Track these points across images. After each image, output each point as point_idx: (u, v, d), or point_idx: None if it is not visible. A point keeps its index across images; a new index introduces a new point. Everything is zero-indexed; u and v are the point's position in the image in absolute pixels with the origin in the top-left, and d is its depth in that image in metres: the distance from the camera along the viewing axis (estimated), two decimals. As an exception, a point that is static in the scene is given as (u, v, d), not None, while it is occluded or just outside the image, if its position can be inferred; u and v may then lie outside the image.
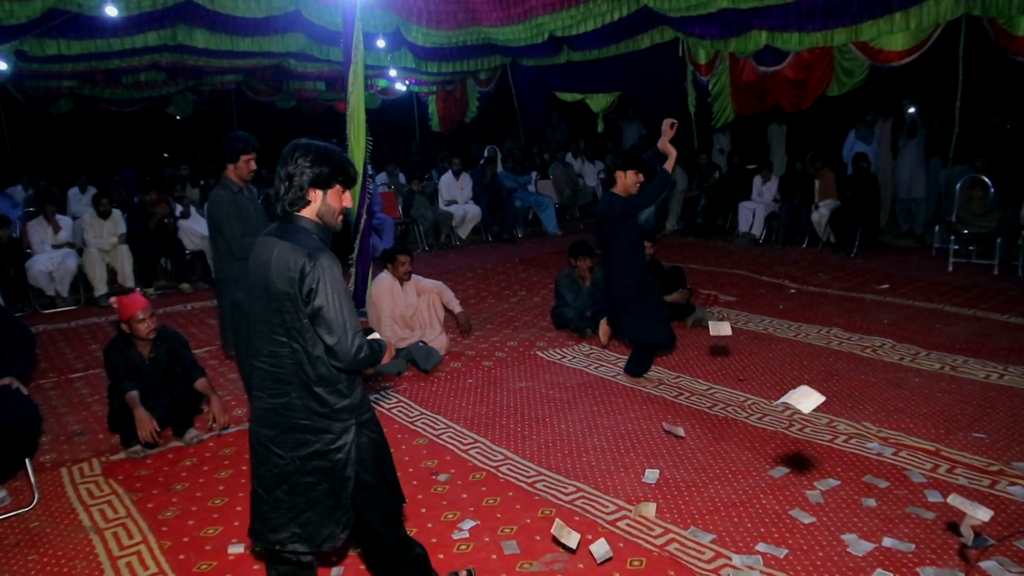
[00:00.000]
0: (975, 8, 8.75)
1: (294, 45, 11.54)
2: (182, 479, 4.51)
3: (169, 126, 17.29)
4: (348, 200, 2.83)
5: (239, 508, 4.11)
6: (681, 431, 4.69)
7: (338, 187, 2.76)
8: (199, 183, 12.81)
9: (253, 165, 4.87)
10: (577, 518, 3.88)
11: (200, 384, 4.96)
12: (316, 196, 2.72)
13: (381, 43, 12.23)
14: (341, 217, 2.83)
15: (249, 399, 2.83)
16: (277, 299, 2.65)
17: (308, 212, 2.73)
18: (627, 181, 5.25)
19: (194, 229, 9.84)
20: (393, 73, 15.05)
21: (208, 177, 12.62)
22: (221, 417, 4.90)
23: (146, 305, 4.79)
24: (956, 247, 9.25)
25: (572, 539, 3.13)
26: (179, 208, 10.11)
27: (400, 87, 16.45)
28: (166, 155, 16.96)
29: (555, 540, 3.51)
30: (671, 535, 3.70)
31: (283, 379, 2.72)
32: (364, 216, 7.37)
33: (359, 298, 7.45)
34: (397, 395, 5.73)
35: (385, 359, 2.88)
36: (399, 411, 5.42)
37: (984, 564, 3.34)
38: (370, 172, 7.49)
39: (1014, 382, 5.48)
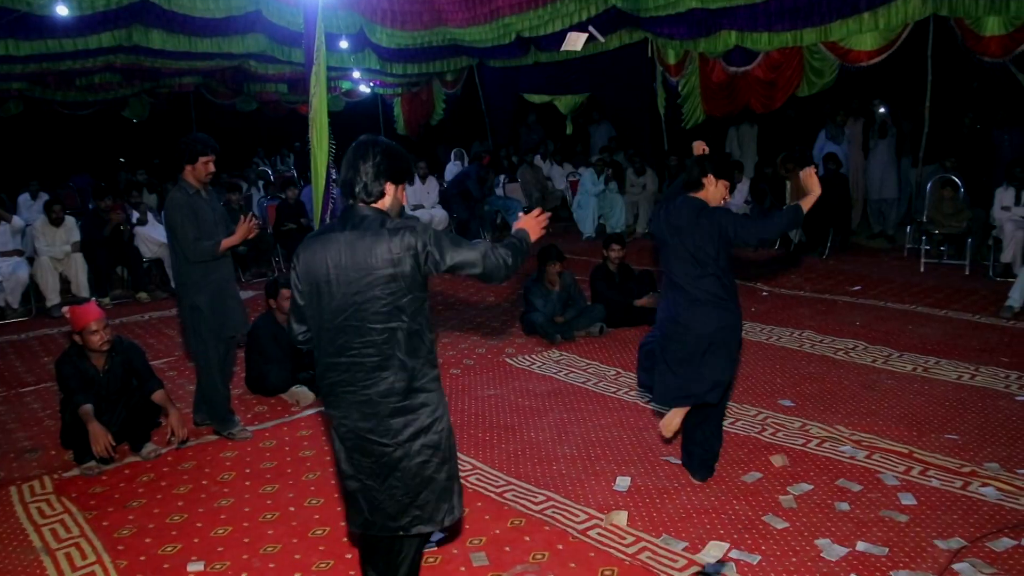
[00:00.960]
0: (942, 8, 8.91)
1: (255, 46, 11.45)
2: (139, 495, 4.44)
3: (125, 130, 17.10)
4: (404, 197, 3.02)
5: (199, 524, 4.06)
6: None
7: (404, 184, 2.98)
8: (156, 188, 12.67)
9: (212, 167, 4.88)
10: (547, 528, 3.87)
11: (158, 396, 4.90)
12: (390, 190, 2.89)
13: (344, 44, 12.19)
14: (397, 210, 2.98)
15: (326, 403, 2.97)
16: (374, 286, 2.76)
17: (380, 204, 2.89)
18: (717, 192, 4.13)
19: (151, 236, 9.72)
20: (357, 75, 15.00)
21: (167, 182, 12.48)
22: (180, 430, 4.84)
23: (100, 316, 4.72)
24: (928, 248, 9.40)
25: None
26: (135, 215, 9.98)
27: (364, 89, 16.40)
28: (122, 160, 16.76)
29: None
30: (643, 543, 3.71)
31: (380, 365, 2.81)
32: (327, 221, 7.32)
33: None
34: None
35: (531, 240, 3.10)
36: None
37: (957, 566, 3.39)
38: (334, 177, 7.45)
39: (985, 383, 5.57)
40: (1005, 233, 8.45)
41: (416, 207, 12.12)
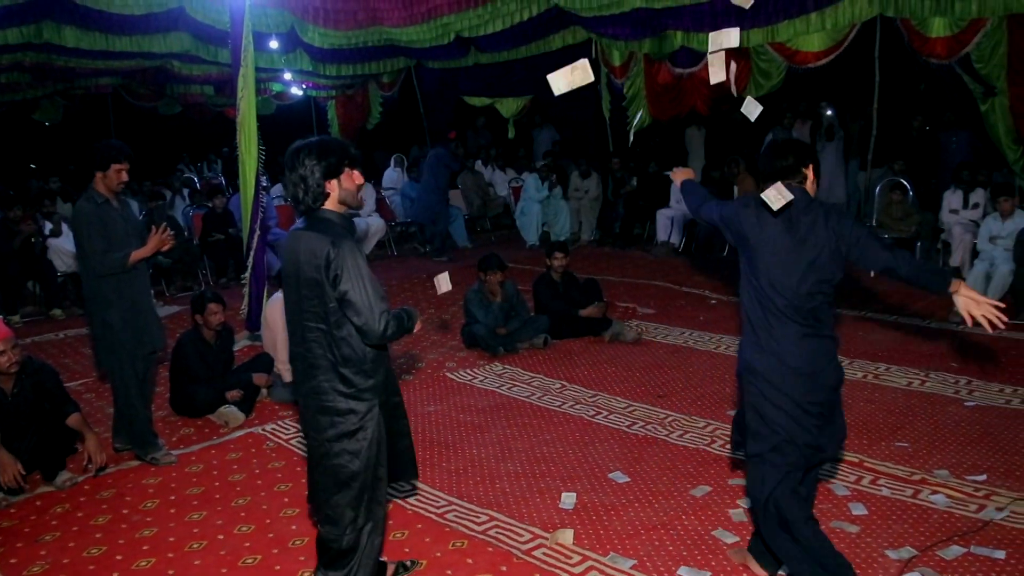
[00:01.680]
0: (888, 9, 9.19)
1: (178, 45, 11.25)
2: (52, 528, 4.32)
3: (36, 134, 16.65)
4: (359, 178, 3.18)
5: (119, 557, 3.97)
6: None
7: (347, 170, 3.12)
8: (71, 197, 12.36)
9: (124, 176, 4.82)
10: (490, 549, 3.88)
11: (73, 420, 4.78)
12: (333, 186, 3.08)
13: (274, 44, 12.07)
14: (362, 194, 3.25)
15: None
16: (307, 286, 3.03)
17: (330, 203, 3.11)
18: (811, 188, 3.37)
19: (65, 248, 9.47)
20: (288, 76, 14.86)
21: (82, 190, 12.18)
22: (97, 456, 4.73)
23: (8, 335, 4.60)
24: (877, 252, 9.63)
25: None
26: (48, 225, 9.72)
27: (296, 91, 16.26)
28: (33, 166, 16.33)
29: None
30: (590, 562, 3.74)
31: (314, 363, 3.10)
32: (257, 231, 7.25)
33: (254, 321, 7.31)
34: (296, 424, 5.63)
35: (417, 327, 3.24)
36: (299, 442, 5.33)
37: (907, 575, 3.48)
38: (264, 184, 7.38)
39: (935, 388, 5.75)
40: (953, 236, 8.74)
41: (353, 214, 12.03)
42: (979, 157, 9.76)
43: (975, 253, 7.99)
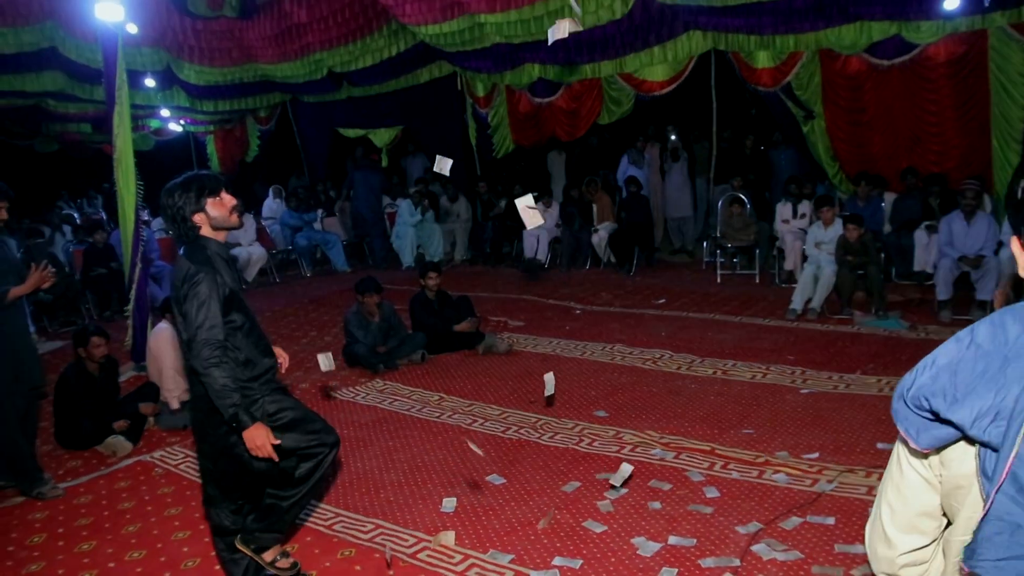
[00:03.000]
0: (720, 43, 9.76)
1: (52, 84, 10.80)
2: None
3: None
4: (229, 200, 3.23)
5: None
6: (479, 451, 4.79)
7: (210, 200, 3.17)
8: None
9: (4, 214, 4.59)
10: (377, 555, 3.87)
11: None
12: (202, 219, 3.18)
13: (151, 82, 11.74)
14: (235, 214, 3.27)
15: None
16: (176, 303, 3.14)
17: (206, 232, 3.21)
18: None
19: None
20: (166, 113, 14.44)
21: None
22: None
23: None
24: (722, 260, 10.13)
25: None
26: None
27: (175, 127, 15.80)
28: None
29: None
30: (471, 560, 3.78)
31: (189, 372, 3.24)
32: (139, 264, 7.02)
33: (138, 351, 7.06)
34: (184, 450, 5.47)
35: (250, 428, 3.10)
36: (187, 466, 5.17)
37: (755, 548, 3.68)
38: (144, 218, 7.16)
39: (775, 379, 6.08)
40: (786, 244, 9.27)
41: (233, 245, 11.74)
42: (805, 172, 10.39)
43: (805, 257, 8.48)
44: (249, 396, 3.19)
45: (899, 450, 1.62)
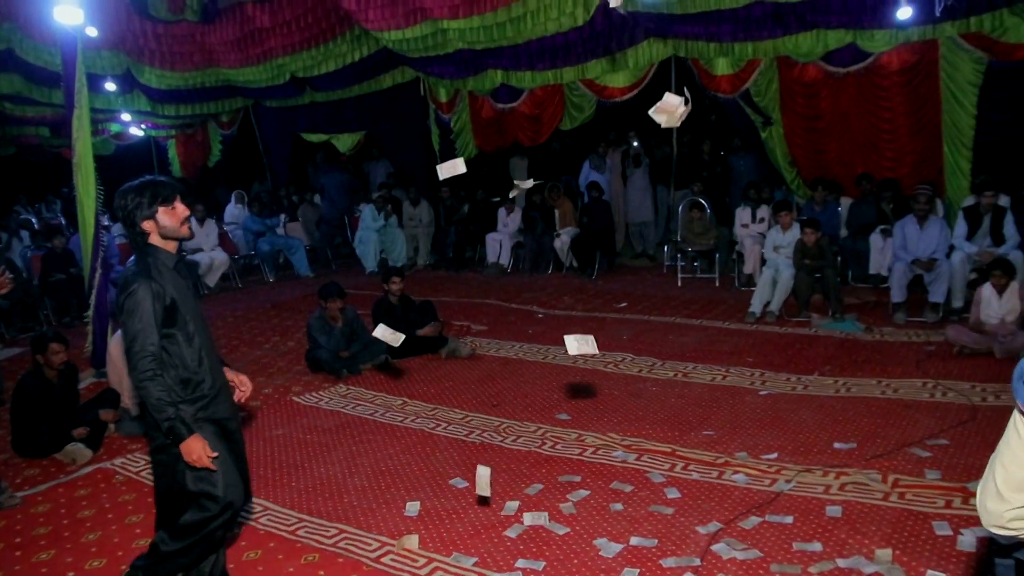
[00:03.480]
0: (680, 50, 9.86)
1: (8, 87, 10.57)
2: None
3: None
4: (182, 210, 3.18)
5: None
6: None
7: (162, 208, 3.12)
8: None
9: None
10: (341, 560, 3.84)
11: None
12: (151, 226, 3.13)
13: (111, 86, 11.55)
14: (186, 225, 3.21)
15: None
16: (118, 312, 3.11)
17: (155, 240, 3.16)
18: None
19: None
20: (127, 117, 14.21)
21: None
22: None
23: None
24: (683, 264, 10.21)
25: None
26: None
27: (136, 131, 15.56)
28: None
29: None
30: (435, 563, 3.76)
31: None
32: (99, 270, 6.91)
33: (98, 357, 6.94)
34: (146, 456, 5.36)
35: (189, 441, 3.04)
36: (149, 473, 5.07)
37: (715, 547, 3.71)
38: (104, 223, 7.04)
39: (734, 381, 6.14)
40: (745, 248, 9.37)
41: (195, 250, 11.57)
42: (763, 177, 10.51)
43: (764, 261, 8.57)
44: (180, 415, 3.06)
45: (1016, 420, 1.80)
